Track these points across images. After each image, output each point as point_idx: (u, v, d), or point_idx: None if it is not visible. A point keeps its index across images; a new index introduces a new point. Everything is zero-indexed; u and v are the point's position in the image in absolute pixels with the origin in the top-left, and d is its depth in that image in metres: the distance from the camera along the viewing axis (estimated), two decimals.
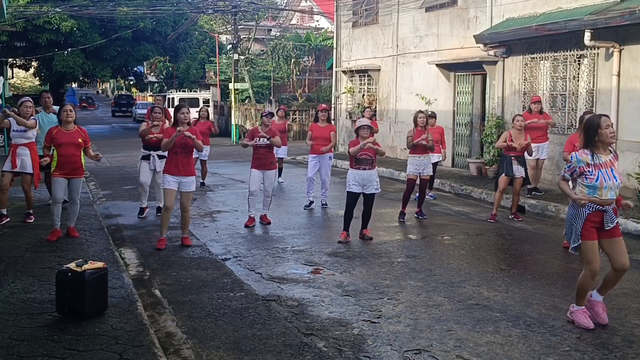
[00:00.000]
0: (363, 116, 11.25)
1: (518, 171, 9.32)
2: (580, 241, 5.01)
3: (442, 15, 15.51)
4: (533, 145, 10.91)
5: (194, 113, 14.49)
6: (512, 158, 9.29)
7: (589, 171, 4.97)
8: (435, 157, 11.25)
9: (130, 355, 4.31)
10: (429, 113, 11.24)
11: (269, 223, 9.28)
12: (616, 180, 4.98)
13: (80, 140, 7.71)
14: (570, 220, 5.13)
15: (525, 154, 9.60)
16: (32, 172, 8.75)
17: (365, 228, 8.38)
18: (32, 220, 8.69)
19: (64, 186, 7.70)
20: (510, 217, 9.67)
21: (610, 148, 5.11)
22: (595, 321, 5.10)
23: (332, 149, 10.72)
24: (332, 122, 21.26)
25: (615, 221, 5.03)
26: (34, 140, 8.80)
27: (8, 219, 8.70)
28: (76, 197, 7.84)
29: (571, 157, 5.12)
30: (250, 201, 9.24)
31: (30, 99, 9.00)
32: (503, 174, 9.33)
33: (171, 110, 8.71)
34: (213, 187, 13.25)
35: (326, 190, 10.82)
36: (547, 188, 11.71)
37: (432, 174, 10.28)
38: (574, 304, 5.19)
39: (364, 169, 8.14)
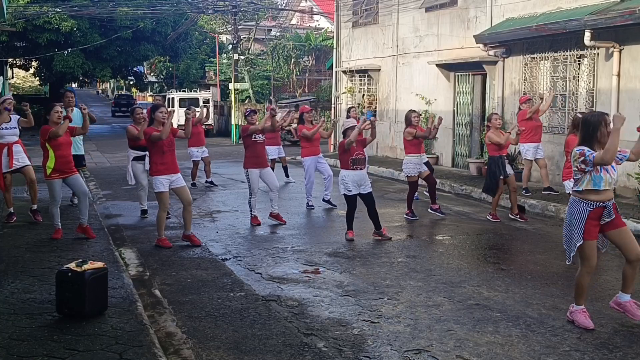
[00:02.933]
0: (349, 116, 11.28)
1: (510, 170, 9.36)
2: (582, 241, 4.99)
3: (442, 15, 15.51)
4: (532, 144, 10.97)
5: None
6: (504, 158, 9.29)
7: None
8: (425, 157, 11.27)
9: (130, 355, 4.31)
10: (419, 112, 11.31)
11: (285, 222, 9.30)
12: (615, 172, 5.06)
13: (69, 139, 7.83)
14: (569, 221, 5.09)
15: (524, 153, 9.73)
16: (30, 163, 8.81)
17: (380, 227, 8.37)
18: (41, 220, 8.65)
19: (61, 186, 7.73)
20: (515, 217, 9.58)
21: None
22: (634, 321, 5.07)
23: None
24: (333, 122, 21.32)
25: (613, 215, 5.02)
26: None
27: (15, 217, 8.75)
28: (84, 188, 7.89)
29: (579, 150, 5.01)
30: (252, 202, 9.25)
31: (11, 97, 9.02)
32: (500, 177, 9.30)
33: (170, 110, 8.68)
34: (213, 187, 13.25)
35: (330, 188, 10.80)
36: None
37: (429, 171, 10.28)
38: (574, 304, 5.19)
39: (360, 168, 8.21)
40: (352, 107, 14.58)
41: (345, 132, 8.36)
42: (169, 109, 8.14)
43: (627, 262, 5.09)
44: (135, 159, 9.53)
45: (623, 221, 5.14)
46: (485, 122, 13.94)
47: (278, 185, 9.46)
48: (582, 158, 4.96)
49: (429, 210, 10.08)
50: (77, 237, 7.82)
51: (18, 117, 8.83)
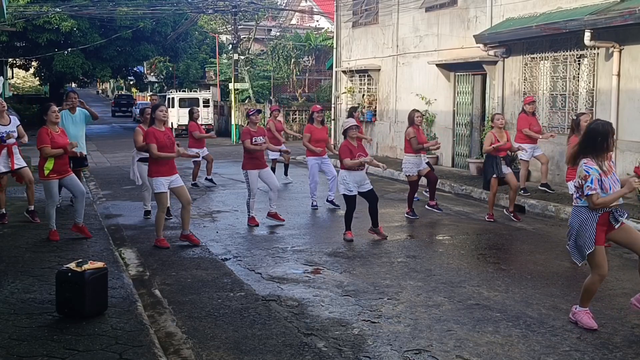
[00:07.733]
0: (352, 117, 11.30)
1: (506, 169, 9.33)
2: (593, 247, 4.91)
3: (442, 15, 15.51)
4: (528, 145, 10.94)
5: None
6: (500, 158, 9.28)
7: (603, 180, 4.90)
8: (426, 158, 11.27)
9: (130, 355, 4.31)
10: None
11: (284, 220, 9.33)
12: (618, 183, 5.00)
13: (67, 140, 7.84)
14: (577, 230, 5.02)
15: (520, 154, 9.94)
16: (26, 164, 8.80)
17: (377, 225, 8.37)
18: (39, 221, 8.60)
19: (58, 187, 7.78)
20: (509, 214, 9.60)
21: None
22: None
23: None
24: (332, 122, 21.33)
25: (625, 216, 5.02)
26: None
27: (6, 219, 8.70)
28: (81, 188, 7.91)
29: (587, 171, 4.89)
30: (251, 203, 9.24)
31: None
32: (494, 176, 9.29)
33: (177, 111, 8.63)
34: (213, 187, 13.26)
35: (334, 189, 10.75)
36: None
37: (429, 168, 10.27)
38: (577, 305, 5.17)
39: (360, 169, 8.23)
40: (355, 107, 14.59)
41: (345, 133, 8.37)
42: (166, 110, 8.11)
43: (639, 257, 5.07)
44: (141, 159, 9.56)
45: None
46: (487, 122, 14.00)
47: (278, 185, 9.48)
48: (586, 183, 4.88)
49: (426, 207, 10.10)
50: (77, 237, 7.81)
51: (18, 121, 8.80)
